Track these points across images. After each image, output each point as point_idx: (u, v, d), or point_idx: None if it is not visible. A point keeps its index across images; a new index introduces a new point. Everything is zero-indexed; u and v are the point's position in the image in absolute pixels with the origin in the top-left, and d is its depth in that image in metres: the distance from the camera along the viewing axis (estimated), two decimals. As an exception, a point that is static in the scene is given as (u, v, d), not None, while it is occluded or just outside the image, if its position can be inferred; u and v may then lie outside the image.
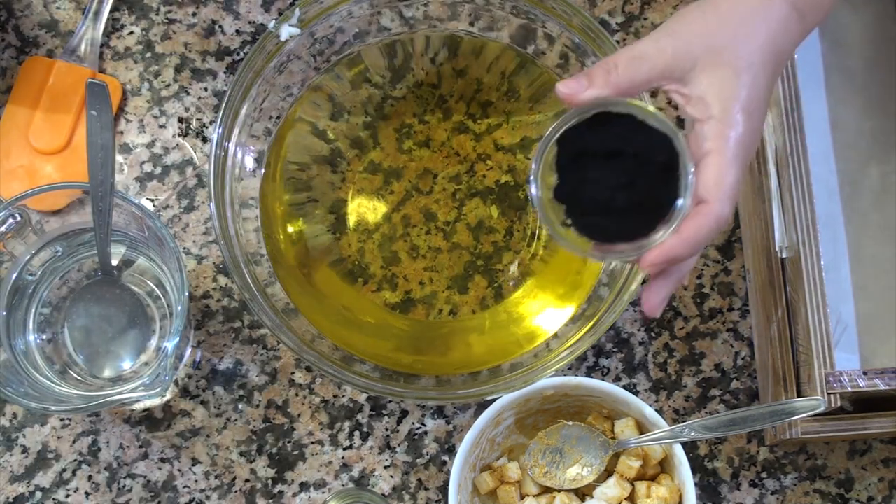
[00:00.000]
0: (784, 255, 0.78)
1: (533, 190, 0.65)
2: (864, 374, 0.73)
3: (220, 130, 0.76)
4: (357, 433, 0.83)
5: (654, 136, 0.64)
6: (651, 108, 0.64)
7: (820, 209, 0.76)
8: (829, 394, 0.73)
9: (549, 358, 0.76)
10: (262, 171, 0.80)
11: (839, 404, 0.74)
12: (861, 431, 0.76)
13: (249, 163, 0.79)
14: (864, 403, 0.77)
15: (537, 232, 0.82)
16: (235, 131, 0.77)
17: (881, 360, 0.79)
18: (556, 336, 0.79)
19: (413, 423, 0.83)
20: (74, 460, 0.83)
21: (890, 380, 0.73)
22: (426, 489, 0.83)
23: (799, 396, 0.77)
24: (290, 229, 0.81)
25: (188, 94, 0.87)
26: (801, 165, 0.77)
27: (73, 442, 0.83)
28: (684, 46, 0.64)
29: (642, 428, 0.80)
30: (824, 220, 0.79)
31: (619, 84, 0.64)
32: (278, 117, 0.81)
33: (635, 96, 0.65)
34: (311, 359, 0.75)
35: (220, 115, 0.76)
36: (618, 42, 0.87)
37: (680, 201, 0.64)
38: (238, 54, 0.88)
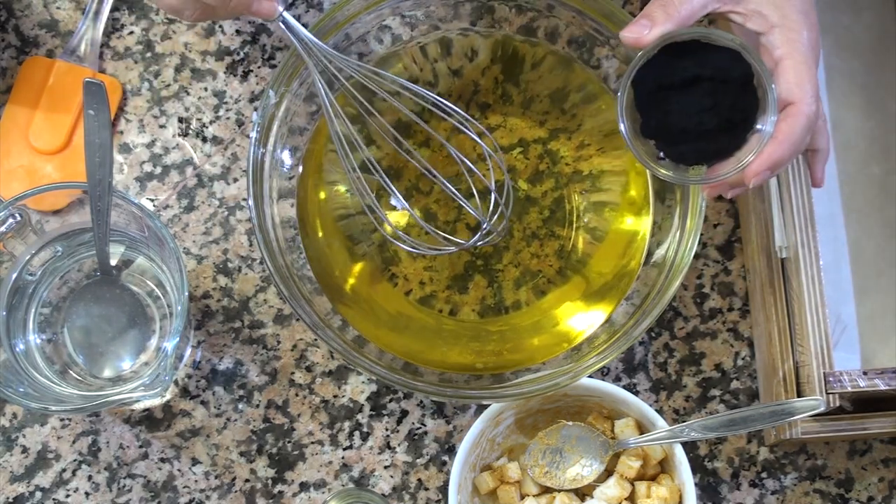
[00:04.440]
0: (784, 255, 0.78)
1: (624, 134, 0.68)
2: (864, 374, 0.73)
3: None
4: (357, 433, 0.83)
5: (723, 54, 0.67)
6: (712, 28, 0.66)
7: (820, 209, 0.76)
8: (829, 394, 0.73)
9: (597, 348, 0.77)
10: (301, 168, 0.81)
11: (839, 404, 0.74)
12: (861, 431, 0.76)
13: (287, 159, 0.80)
14: (864, 403, 0.77)
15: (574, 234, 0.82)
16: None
17: (881, 360, 0.79)
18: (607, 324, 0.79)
19: (413, 423, 0.83)
20: (74, 460, 0.83)
21: (890, 380, 0.73)
22: (426, 489, 0.83)
23: (799, 396, 0.77)
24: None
25: (188, 94, 0.87)
26: (800, 165, 0.77)
27: (73, 442, 0.83)
28: None
29: (642, 428, 0.79)
30: (824, 219, 0.79)
31: (679, 16, 0.66)
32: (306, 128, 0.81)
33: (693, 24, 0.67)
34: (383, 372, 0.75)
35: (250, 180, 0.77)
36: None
37: (769, 107, 0.66)
38: (238, 54, 0.88)
